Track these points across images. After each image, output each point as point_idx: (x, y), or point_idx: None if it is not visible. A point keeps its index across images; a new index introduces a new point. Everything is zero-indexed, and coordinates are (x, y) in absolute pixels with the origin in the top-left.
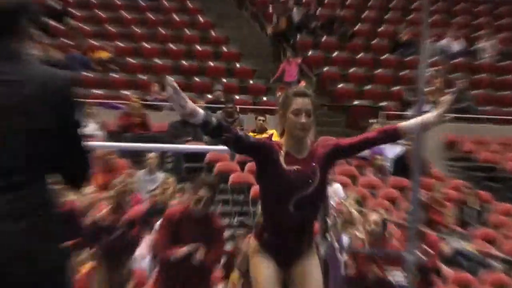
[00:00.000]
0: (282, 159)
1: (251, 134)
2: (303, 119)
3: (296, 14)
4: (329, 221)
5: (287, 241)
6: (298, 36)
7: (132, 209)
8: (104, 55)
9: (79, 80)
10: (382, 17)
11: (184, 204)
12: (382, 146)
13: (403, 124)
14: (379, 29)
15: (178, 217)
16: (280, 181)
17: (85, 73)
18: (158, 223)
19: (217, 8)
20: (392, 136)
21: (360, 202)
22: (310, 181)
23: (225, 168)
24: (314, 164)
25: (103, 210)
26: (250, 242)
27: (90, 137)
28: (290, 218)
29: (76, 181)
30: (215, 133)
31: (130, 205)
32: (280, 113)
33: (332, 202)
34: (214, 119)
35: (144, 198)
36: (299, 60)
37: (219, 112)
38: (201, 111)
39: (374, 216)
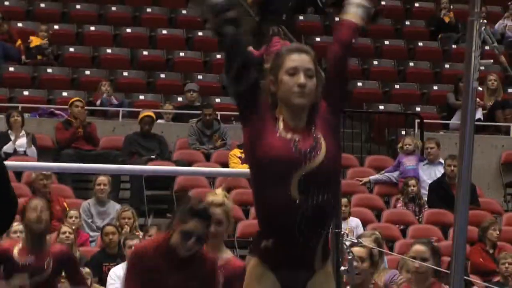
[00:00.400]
0: (279, 125)
1: (236, 150)
2: (301, 79)
3: None
4: (343, 268)
5: (293, 250)
6: (301, 17)
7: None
8: (36, 42)
9: None
10: None
11: (158, 238)
12: (416, 167)
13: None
14: (413, 7)
15: (152, 255)
16: (277, 154)
17: (9, 68)
18: (119, 269)
19: None
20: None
21: (381, 242)
22: (314, 153)
23: (203, 196)
24: (315, 131)
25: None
26: (249, 266)
27: (17, 155)
28: (295, 210)
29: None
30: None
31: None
32: (269, 79)
33: (347, 243)
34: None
35: (92, 237)
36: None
37: (192, 120)
38: None
39: (418, 247)
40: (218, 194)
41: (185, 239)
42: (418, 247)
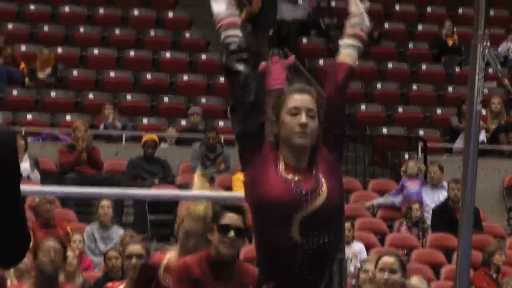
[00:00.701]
0: (281, 166)
1: (240, 174)
2: (303, 119)
3: (302, 7)
4: None
5: None
6: (305, 39)
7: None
8: (45, 64)
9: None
10: (420, 12)
11: (200, 253)
12: (419, 191)
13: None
14: (416, 30)
15: (196, 266)
16: (278, 195)
17: (12, 91)
18: None
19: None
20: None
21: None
22: (315, 194)
23: None
24: (316, 172)
25: None
26: None
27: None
28: (296, 252)
29: (7, 258)
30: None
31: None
32: (271, 119)
33: (351, 268)
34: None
35: (96, 262)
36: (290, 60)
37: (196, 144)
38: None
39: (387, 258)
40: (199, 205)
41: (224, 233)
42: (387, 259)
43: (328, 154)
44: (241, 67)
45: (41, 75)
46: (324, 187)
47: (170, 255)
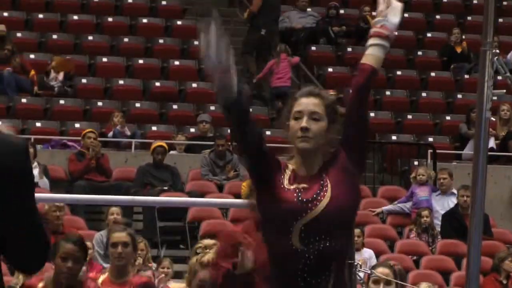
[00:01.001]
0: (285, 177)
1: (249, 181)
2: (304, 123)
3: (311, 15)
4: None
5: None
6: (314, 47)
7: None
8: (62, 68)
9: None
10: (429, 20)
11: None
12: (429, 198)
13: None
14: (425, 37)
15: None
16: (279, 204)
17: (21, 99)
18: None
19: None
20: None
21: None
22: (316, 201)
23: (216, 228)
24: (324, 178)
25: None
26: None
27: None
28: (297, 259)
29: (27, 266)
30: (242, 113)
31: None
32: (284, 125)
33: (361, 275)
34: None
35: (105, 268)
36: (295, 60)
37: (205, 151)
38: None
39: (381, 269)
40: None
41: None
42: (381, 270)
43: (345, 159)
44: (233, 100)
45: (54, 79)
46: (328, 193)
47: None
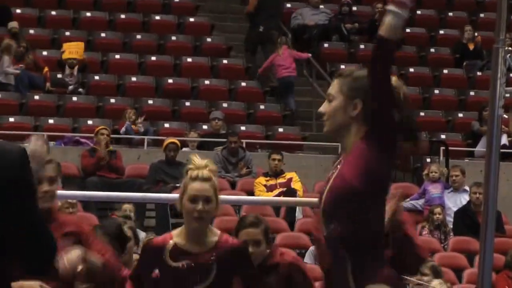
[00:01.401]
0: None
1: (262, 178)
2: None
3: (324, 12)
4: None
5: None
6: (326, 44)
7: None
8: (69, 54)
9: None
10: (441, 17)
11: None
12: (441, 195)
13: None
14: (438, 34)
15: None
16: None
17: (34, 96)
18: None
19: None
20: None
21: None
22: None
23: (228, 225)
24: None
25: None
26: None
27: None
28: (318, 243)
29: (36, 270)
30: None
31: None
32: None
33: None
34: None
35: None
36: (304, 55)
37: (217, 148)
38: None
39: (436, 283)
40: (202, 166)
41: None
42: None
43: (363, 139)
44: None
45: (69, 75)
46: (334, 176)
47: None
